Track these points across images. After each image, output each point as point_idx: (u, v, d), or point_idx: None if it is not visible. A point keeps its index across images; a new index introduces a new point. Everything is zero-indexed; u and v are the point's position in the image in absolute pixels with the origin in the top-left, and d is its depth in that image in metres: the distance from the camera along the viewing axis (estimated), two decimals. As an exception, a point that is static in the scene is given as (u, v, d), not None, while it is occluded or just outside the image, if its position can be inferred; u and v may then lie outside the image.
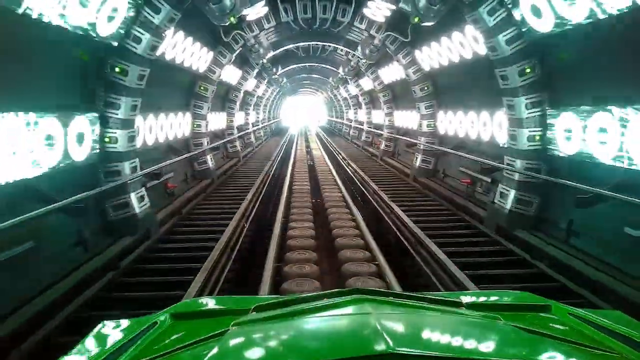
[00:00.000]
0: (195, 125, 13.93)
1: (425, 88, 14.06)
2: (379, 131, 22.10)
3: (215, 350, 1.55)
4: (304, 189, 12.22)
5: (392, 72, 17.46)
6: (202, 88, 13.76)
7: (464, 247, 7.98)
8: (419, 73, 13.94)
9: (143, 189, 8.40)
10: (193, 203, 11.39)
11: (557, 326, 1.99)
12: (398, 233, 9.08)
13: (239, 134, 20.80)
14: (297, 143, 25.70)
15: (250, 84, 21.51)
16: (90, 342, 2.03)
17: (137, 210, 7.93)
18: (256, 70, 19.03)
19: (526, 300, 2.40)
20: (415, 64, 13.82)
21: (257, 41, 13.50)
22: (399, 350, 1.36)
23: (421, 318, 1.86)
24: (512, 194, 8.20)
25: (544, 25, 6.75)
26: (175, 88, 12.66)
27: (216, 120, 17.26)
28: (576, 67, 7.04)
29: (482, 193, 10.43)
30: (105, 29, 6.57)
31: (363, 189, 13.59)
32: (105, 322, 2.24)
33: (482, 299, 2.52)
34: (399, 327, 1.68)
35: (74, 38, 6.13)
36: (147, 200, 8.40)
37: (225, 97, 18.78)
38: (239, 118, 21.73)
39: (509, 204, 8.23)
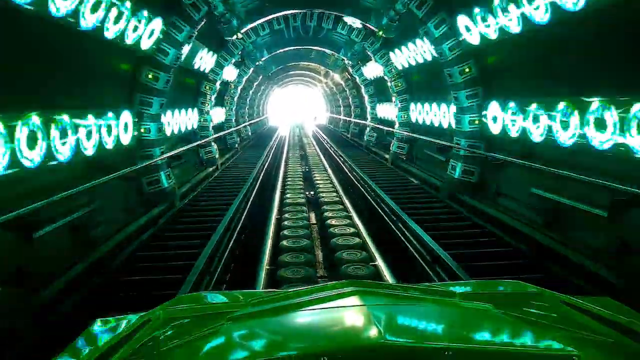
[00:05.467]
0: (202, 120, 16.12)
1: (399, 84, 16.34)
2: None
3: (210, 346, 1.57)
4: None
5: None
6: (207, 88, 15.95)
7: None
8: (394, 71, 16.21)
9: (169, 169, 10.61)
10: (205, 183, 13.61)
11: (549, 314, 2.02)
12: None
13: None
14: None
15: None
16: (85, 340, 2.05)
17: (166, 185, 10.15)
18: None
19: (518, 289, 2.45)
20: (390, 63, 16.09)
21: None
22: (392, 341, 1.40)
23: (414, 309, 1.90)
24: (458, 166, 10.51)
25: (474, 39, 9.06)
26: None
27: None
28: (499, 69, 9.35)
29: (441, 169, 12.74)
30: (145, 45, 8.78)
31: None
32: (100, 319, 2.27)
33: (474, 288, 2.59)
34: (392, 319, 1.70)
35: (121, 52, 8.33)
36: (173, 178, 10.61)
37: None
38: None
39: (457, 174, 10.54)
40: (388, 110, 20.24)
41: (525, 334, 1.69)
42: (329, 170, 16.05)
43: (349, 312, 1.80)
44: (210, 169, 15.95)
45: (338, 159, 19.72)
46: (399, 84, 16.29)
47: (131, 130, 9.23)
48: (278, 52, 18.18)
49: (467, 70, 9.94)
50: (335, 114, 39.41)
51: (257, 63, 17.59)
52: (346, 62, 18.21)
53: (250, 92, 29.31)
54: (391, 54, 15.59)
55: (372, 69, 20.01)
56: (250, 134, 29.39)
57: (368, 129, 23.24)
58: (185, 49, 11.39)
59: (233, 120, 23.06)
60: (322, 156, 20.22)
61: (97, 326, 2.23)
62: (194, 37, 10.64)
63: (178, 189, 11.61)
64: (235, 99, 23.13)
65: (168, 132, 12.31)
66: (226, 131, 20.53)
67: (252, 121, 32.24)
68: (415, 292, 2.22)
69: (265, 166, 17.92)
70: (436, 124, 13.45)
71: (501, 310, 1.87)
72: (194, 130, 15.49)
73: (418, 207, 10.38)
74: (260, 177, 15.41)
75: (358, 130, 28.50)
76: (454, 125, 11.85)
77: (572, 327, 1.81)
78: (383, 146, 20.45)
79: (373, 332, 1.48)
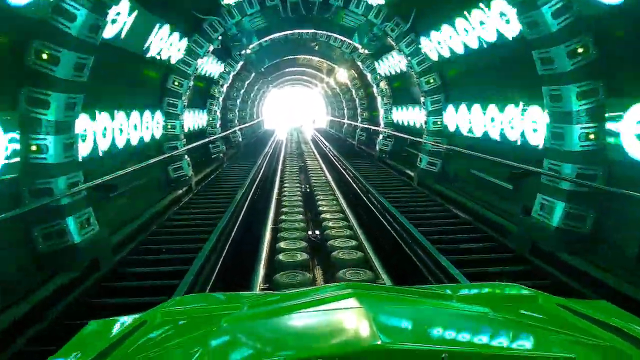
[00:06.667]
0: (169, 127, 12.11)
1: (432, 81, 12.37)
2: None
3: (205, 348, 1.55)
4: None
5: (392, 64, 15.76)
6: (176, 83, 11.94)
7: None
8: (425, 64, 12.24)
9: (90, 209, 6.57)
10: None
11: (545, 316, 1.98)
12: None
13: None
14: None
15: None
16: (79, 342, 1.97)
17: (78, 239, 6.10)
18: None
19: (514, 291, 2.40)
20: (421, 52, 12.12)
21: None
22: (389, 344, 1.38)
23: (412, 312, 1.86)
24: (558, 207, 6.51)
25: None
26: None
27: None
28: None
29: (505, 201, 8.76)
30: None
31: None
32: (95, 321, 2.21)
33: (472, 291, 2.48)
34: (390, 322, 1.68)
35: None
36: (95, 224, 6.56)
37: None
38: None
39: (555, 219, 6.53)
40: (409, 115, 16.30)
41: (521, 336, 1.66)
42: (338, 193, 11.93)
43: (346, 315, 1.75)
44: (181, 191, 11.91)
45: (346, 174, 15.71)
46: (431, 80, 12.32)
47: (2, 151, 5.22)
48: (272, 37, 14.11)
49: (580, 50, 5.96)
50: (338, 117, 35.30)
51: (243, 51, 13.65)
52: (360, 51, 14.28)
53: (241, 91, 25.28)
54: (423, 40, 11.63)
55: (390, 63, 16.09)
56: (240, 140, 25.03)
57: (381, 136, 19.29)
58: (123, 19, 7.43)
59: (218, 126, 18.95)
60: (326, 170, 16.08)
61: (92, 327, 2.16)
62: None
63: (115, 233, 7.62)
64: (221, 99, 19.06)
65: (104, 147, 8.30)
66: (205, 140, 16.41)
67: (243, 125, 27.23)
68: (412, 294, 2.17)
69: (255, 185, 13.89)
70: (494, 136, 9.47)
71: (498, 312, 1.86)
72: (156, 140, 11.49)
73: (488, 272, 6.43)
74: (246, 204, 11.39)
75: (366, 136, 24.51)
76: (533, 140, 7.90)
77: (568, 330, 1.76)
78: (402, 158, 16.45)
79: (370, 334, 1.45)
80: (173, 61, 11.24)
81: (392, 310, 1.82)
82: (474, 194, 10.18)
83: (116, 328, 2.05)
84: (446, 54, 10.81)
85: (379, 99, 19.43)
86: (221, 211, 10.17)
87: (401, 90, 16.83)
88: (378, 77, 18.24)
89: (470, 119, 10.63)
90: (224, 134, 20.15)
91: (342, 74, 22.73)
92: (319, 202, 10.72)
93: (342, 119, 32.42)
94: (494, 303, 2.06)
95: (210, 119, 18.36)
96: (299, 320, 1.81)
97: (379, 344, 1.35)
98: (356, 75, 22.77)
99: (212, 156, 17.98)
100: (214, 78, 17.44)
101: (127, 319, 2.13)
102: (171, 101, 11.98)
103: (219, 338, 1.65)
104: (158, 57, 10.22)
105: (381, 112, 19.42)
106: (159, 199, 10.63)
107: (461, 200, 10.24)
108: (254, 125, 34.22)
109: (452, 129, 11.84)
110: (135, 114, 9.81)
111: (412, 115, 15.90)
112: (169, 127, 12.06)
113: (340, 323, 1.71)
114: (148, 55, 9.59)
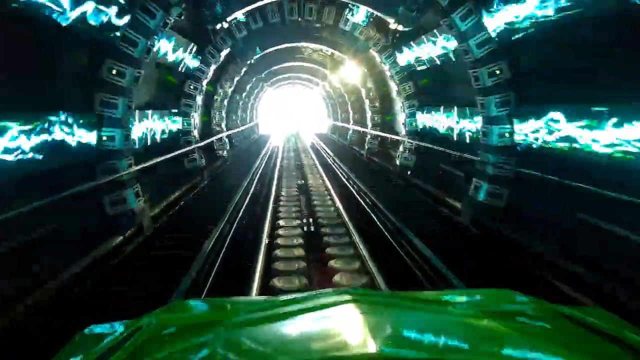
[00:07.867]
0: (104, 138, 8.00)
1: (498, 71, 8.33)
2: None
3: (200, 355, 1.55)
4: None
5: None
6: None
7: None
8: (488, 46, 8.21)
9: None
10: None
11: (540, 323, 1.97)
12: None
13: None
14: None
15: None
16: (74, 348, 1.93)
17: None
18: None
19: (510, 297, 2.34)
20: (483, 29, 8.10)
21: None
22: (388, 353, 1.36)
23: (410, 319, 1.84)
24: None
25: None
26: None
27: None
28: None
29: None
30: None
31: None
32: (89, 327, 2.15)
33: (469, 297, 2.41)
34: (388, 329, 1.65)
35: None
36: None
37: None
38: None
39: None
40: (446, 120, 12.28)
41: (517, 343, 1.63)
42: (356, 238, 7.86)
43: (344, 322, 1.69)
44: (121, 238, 7.82)
45: (362, 202, 11.58)
46: (498, 71, 8.29)
47: None
48: (260, 6, 10.04)
49: None
50: (343, 121, 31.25)
51: (219, 26, 9.64)
52: (391, 26, 10.15)
53: (230, 90, 21.20)
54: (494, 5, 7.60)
55: (420, 51, 12.09)
56: (228, 148, 20.90)
57: (402, 147, 15.27)
58: None
59: (195, 133, 14.85)
60: (334, 194, 11.94)
61: (86, 334, 2.09)
62: None
63: None
64: (200, 98, 14.95)
65: None
66: (173, 153, 12.21)
67: (233, 131, 23.10)
68: (409, 301, 2.17)
69: (237, 221, 9.67)
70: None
71: (494, 319, 1.83)
72: (81, 159, 7.40)
73: None
74: (218, 260, 7.27)
75: (378, 145, 20.52)
76: None
77: (563, 337, 1.76)
78: (437, 180, 12.42)
79: (368, 342, 1.41)
80: (105, 36, 7.16)
81: (390, 318, 1.78)
82: (592, 259, 6.11)
83: (112, 333, 1.99)
84: (531, 27, 6.76)
85: (398, 99, 15.43)
86: (179, 273, 6.12)
87: (434, 87, 12.82)
88: (399, 70, 14.20)
89: (570, 128, 6.58)
90: (204, 143, 15.99)
91: (351, 68, 18.67)
92: (331, 261, 6.70)
93: (347, 123, 28.40)
94: (491, 309, 2.03)
95: (185, 124, 14.26)
96: (297, 327, 1.74)
97: (377, 352, 1.33)
98: (367, 69, 18.74)
99: (191, 172, 13.94)
100: (190, 70, 13.38)
101: (121, 325, 2.07)
102: (107, 99, 7.88)
103: (213, 346, 1.60)
104: (78, 26, 6.15)
105: (402, 116, 15.43)
106: (79, 257, 6.53)
107: (578, 271, 6.17)
108: (246, 131, 30.16)
109: (536, 144, 7.78)
110: (29, 117, 5.71)
111: (450, 122, 11.87)
112: (105, 138, 7.96)
113: (339, 331, 1.63)
114: (54, 20, 5.49)
